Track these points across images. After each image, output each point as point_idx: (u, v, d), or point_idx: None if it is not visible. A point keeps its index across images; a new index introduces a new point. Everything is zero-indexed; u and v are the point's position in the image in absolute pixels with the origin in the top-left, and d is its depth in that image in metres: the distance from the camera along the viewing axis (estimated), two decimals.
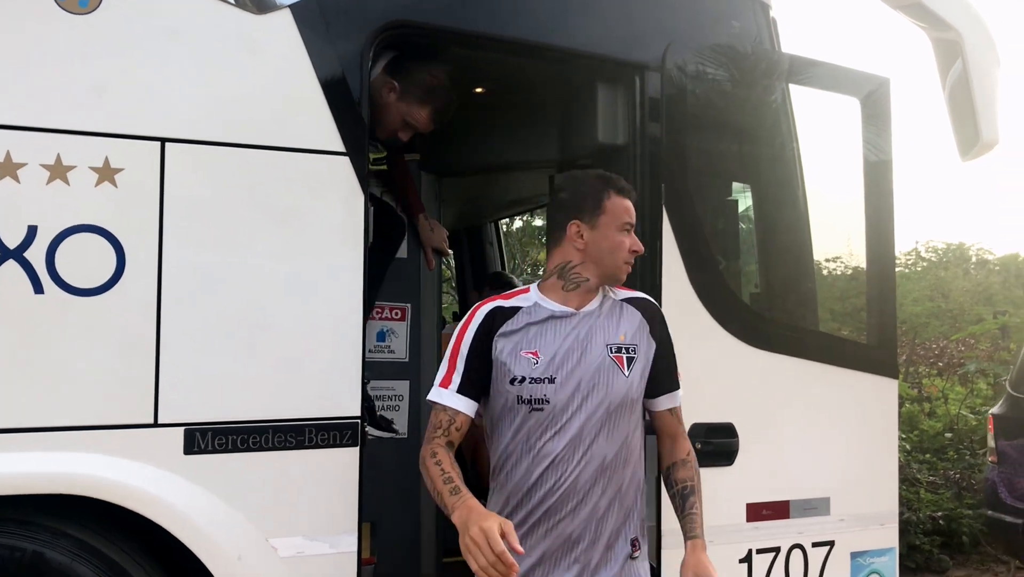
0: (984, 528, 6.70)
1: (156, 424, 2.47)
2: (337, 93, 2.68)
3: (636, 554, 2.42)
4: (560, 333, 2.37)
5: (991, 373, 8.99)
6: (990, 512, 5.87)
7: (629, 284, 3.20)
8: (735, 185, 3.44)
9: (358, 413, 2.68)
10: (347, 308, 2.68)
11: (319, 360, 2.66)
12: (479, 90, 3.58)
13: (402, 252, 3.78)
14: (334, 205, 2.69)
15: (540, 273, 11.67)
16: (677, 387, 2.55)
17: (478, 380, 2.36)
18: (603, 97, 3.25)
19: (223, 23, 2.59)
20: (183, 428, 2.49)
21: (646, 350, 2.45)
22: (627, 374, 2.38)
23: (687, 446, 2.55)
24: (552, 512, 2.33)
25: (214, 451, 2.52)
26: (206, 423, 2.52)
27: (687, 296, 3.06)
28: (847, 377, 3.37)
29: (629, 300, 2.52)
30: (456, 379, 2.36)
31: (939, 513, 6.93)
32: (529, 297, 2.43)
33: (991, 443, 5.98)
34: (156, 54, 2.52)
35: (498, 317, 2.38)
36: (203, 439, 2.51)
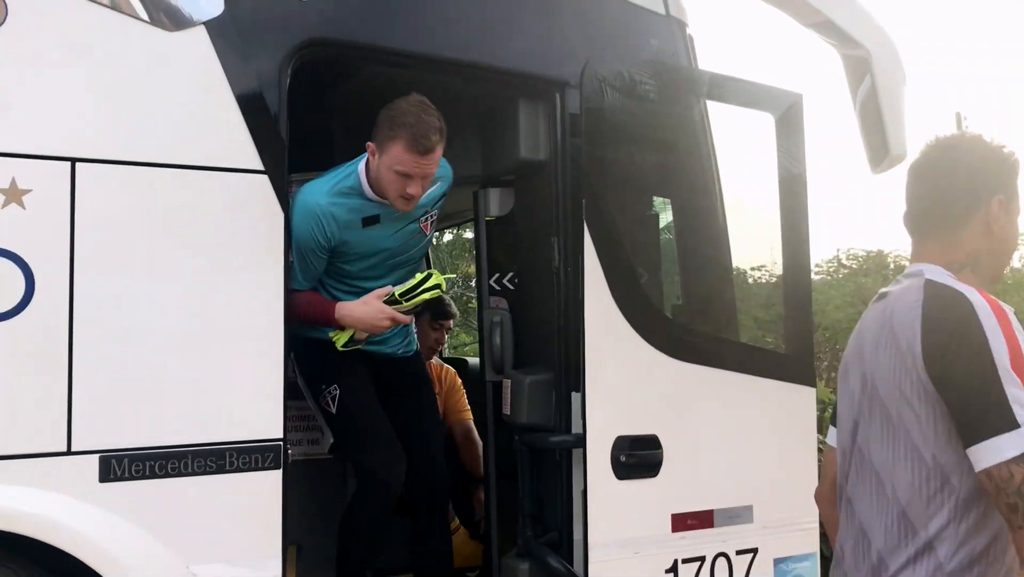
0: None
1: (70, 452, 2.41)
2: (255, 111, 2.65)
3: None
4: None
5: None
6: None
7: (548, 296, 3.23)
8: (656, 199, 3.49)
9: (280, 435, 2.64)
10: (268, 329, 2.64)
11: (239, 382, 2.61)
12: None
13: None
14: (253, 224, 2.66)
15: (472, 286, 11.54)
16: None
17: None
18: (524, 113, 3.27)
19: (136, 39, 2.54)
20: (98, 455, 2.43)
21: None
22: None
23: None
24: None
25: (131, 478, 2.46)
26: (122, 449, 2.46)
27: (609, 310, 3.08)
28: (766, 386, 3.43)
29: None
30: None
31: None
32: None
33: None
34: (66, 72, 2.46)
35: None
36: (119, 466, 2.45)
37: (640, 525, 3.13)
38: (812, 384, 3.59)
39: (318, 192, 3.02)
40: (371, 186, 3.05)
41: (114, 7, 2.52)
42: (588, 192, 3.10)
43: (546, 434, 3.19)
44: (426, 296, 3.12)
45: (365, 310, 3.07)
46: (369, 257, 3.16)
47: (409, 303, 3.10)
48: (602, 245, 3.07)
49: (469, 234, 11.47)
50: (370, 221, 3.08)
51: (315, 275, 3.10)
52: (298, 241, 2.96)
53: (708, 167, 3.45)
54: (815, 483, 3.64)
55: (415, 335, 3.61)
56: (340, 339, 3.11)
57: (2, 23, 2.41)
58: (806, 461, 3.60)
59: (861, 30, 3.58)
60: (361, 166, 3.06)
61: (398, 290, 3.10)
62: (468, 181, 3.68)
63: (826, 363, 9.28)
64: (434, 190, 3.16)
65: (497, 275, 3.56)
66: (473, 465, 4.19)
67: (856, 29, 3.59)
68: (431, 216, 3.25)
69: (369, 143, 3.01)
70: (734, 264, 3.65)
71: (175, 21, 2.59)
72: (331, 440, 3.51)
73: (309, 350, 3.22)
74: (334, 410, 3.20)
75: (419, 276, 3.15)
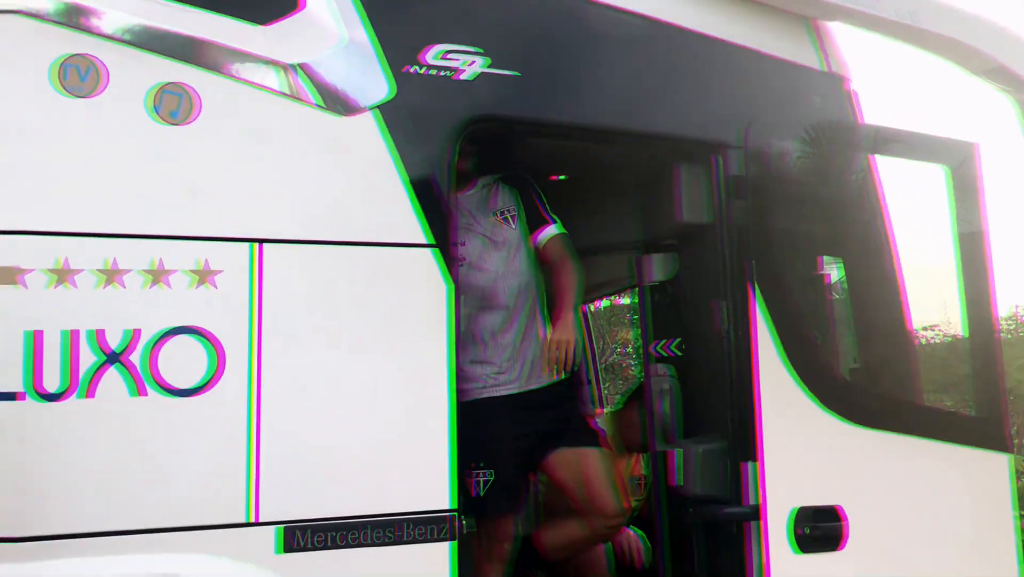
0: None
1: (255, 523, 2.48)
2: (424, 187, 2.72)
3: None
4: None
5: None
6: None
7: (716, 361, 3.15)
8: (826, 258, 3.37)
9: (451, 506, 2.65)
10: (437, 400, 2.67)
11: (412, 454, 2.64)
12: (560, 177, 3.62)
13: None
14: (422, 296, 2.71)
15: (629, 351, 11.35)
16: None
17: None
18: (684, 177, 3.24)
19: (311, 126, 2.67)
20: (281, 526, 2.49)
21: None
22: None
23: None
24: None
25: (311, 548, 2.51)
26: (303, 520, 2.51)
27: (783, 375, 2.97)
28: (956, 453, 3.22)
29: None
30: None
31: None
32: None
33: None
34: (248, 158, 2.60)
35: None
36: (301, 537, 2.50)
37: None
38: (1007, 450, 3.34)
39: None
40: None
41: (291, 96, 2.67)
42: (756, 253, 3.02)
43: (720, 506, 3.08)
44: None
45: None
46: None
47: None
48: (773, 307, 2.97)
49: (624, 300, 11.42)
50: None
51: None
52: None
53: (879, 223, 3.32)
54: (1014, 558, 3.38)
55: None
56: None
57: (193, 117, 2.58)
58: (1002, 534, 3.33)
59: None
60: None
61: None
62: (627, 247, 3.67)
63: (1015, 428, 8.65)
64: None
65: (661, 341, 3.50)
66: None
67: None
68: None
69: None
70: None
71: (346, 107, 2.71)
72: None
73: None
74: None
75: None
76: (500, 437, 3.29)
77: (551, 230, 3.35)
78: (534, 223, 3.36)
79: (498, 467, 3.28)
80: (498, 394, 3.33)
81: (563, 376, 3.32)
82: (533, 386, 3.37)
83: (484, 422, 3.20)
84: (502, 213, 3.39)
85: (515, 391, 3.35)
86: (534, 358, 3.36)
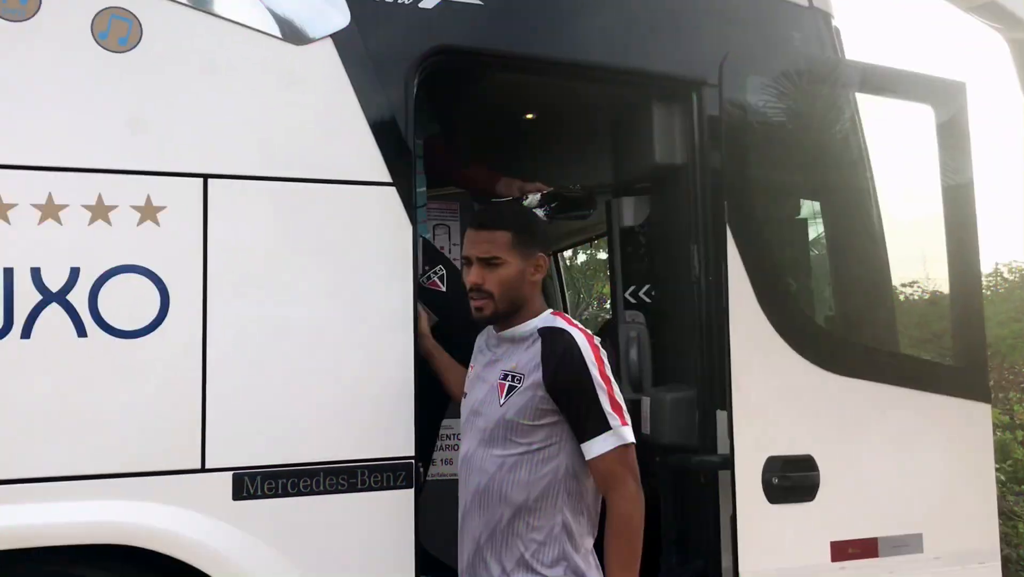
0: None
1: (204, 469, 2.39)
2: (382, 122, 2.60)
3: None
4: None
5: None
6: None
7: (688, 307, 3.05)
8: (804, 202, 3.26)
9: (412, 453, 2.56)
10: (398, 344, 2.58)
11: (370, 398, 2.56)
12: (529, 116, 3.48)
13: None
14: (382, 237, 2.60)
15: (607, 307, 11.42)
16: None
17: None
18: (659, 116, 3.13)
19: (264, 56, 2.54)
20: (231, 473, 2.41)
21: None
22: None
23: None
24: None
25: (264, 496, 2.44)
26: (255, 467, 2.43)
27: (757, 320, 2.88)
28: (935, 402, 3.14)
29: None
30: None
31: None
32: None
33: None
34: (197, 89, 2.48)
35: None
36: (252, 484, 2.42)
37: (795, 553, 2.89)
38: (987, 400, 3.27)
39: None
40: None
41: (243, 24, 2.53)
42: (730, 195, 2.91)
43: (690, 455, 3.01)
44: None
45: None
46: None
47: None
48: (747, 251, 2.87)
49: (602, 254, 11.35)
50: None
51: None
52: None
53: (861, 165, 3.21)
54: (994, 510, 3.32)
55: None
56: None
57: (137, 44, 2.44)
58: (983, 485, 3.27)
59: None
60: None
61: None
62: (600, 190, 3.55)
63: (992, 382, 8.63)
64: None
65: (632, 288, 3.40)
66: None
67: None
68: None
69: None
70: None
71: (302, 35, 2.58)
72: None
73: None
74: None
75: None
76: None
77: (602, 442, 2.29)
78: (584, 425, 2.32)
79: None
80: None
81: None
82: None
83: None
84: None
85: None
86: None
